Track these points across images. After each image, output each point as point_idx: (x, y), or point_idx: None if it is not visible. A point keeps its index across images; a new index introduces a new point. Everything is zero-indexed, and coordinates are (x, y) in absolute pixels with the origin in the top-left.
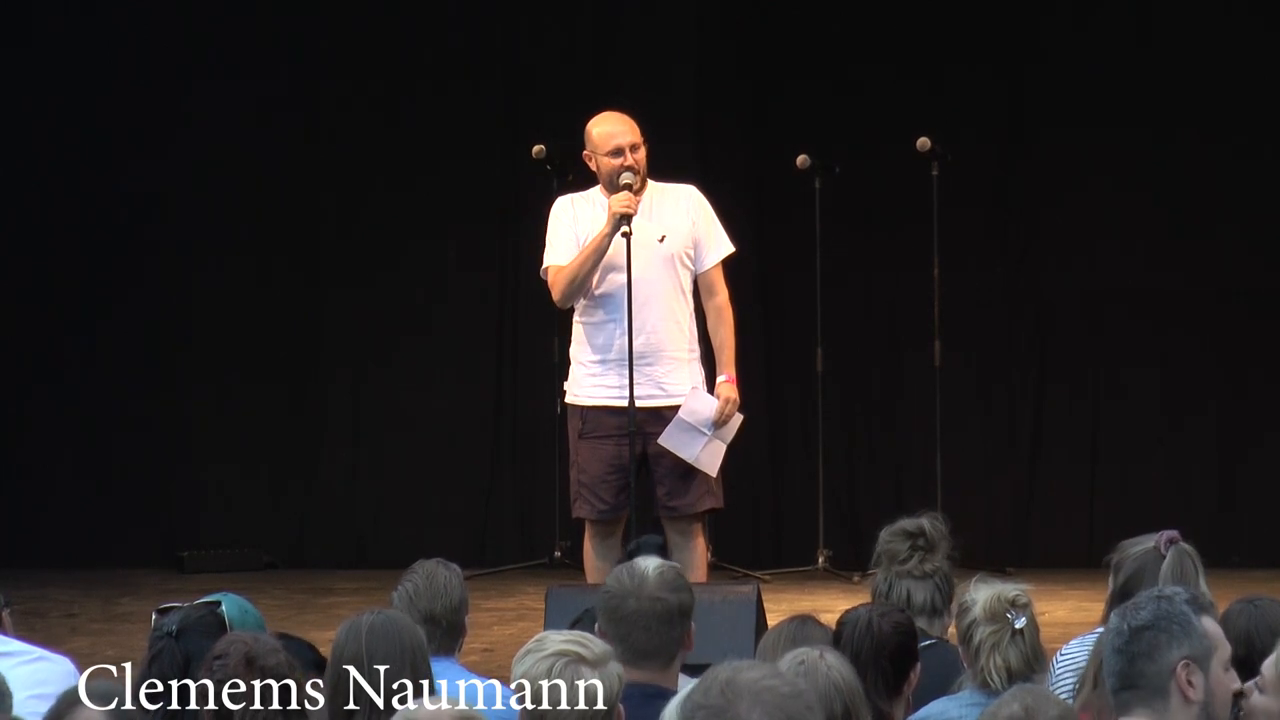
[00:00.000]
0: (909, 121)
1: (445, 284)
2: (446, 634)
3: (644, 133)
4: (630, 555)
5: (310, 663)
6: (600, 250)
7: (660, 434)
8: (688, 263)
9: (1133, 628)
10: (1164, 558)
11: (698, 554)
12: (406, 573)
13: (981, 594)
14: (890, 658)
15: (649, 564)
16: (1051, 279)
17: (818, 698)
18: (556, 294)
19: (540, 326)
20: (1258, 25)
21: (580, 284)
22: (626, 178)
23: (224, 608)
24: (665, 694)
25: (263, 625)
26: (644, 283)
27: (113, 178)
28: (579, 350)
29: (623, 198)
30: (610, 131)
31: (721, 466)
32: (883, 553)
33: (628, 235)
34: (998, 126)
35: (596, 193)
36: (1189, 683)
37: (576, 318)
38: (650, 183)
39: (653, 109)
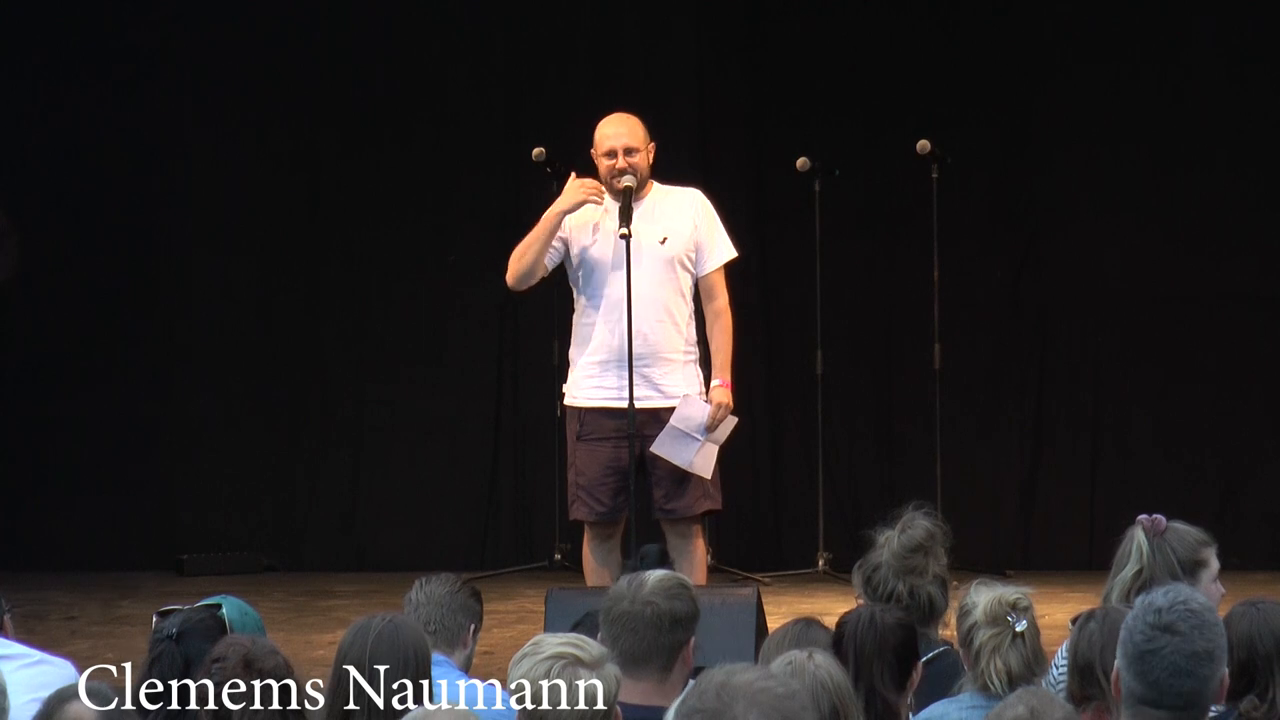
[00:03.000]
0: (909, 124)
1: (445, 287)
2: (438, 635)
3: (653, 135)
4: (634, 569)
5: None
6: (549, 229)
7: (657, 436)
8: (688, 265)
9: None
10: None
11: (697, 556)
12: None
13: (982, 597)
14: (895, 651)
15: (654, 572)
16: (1051, 281)
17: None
18: (508, 274)
19: (540, 329)
20: (1259, 34)
21: (528, 264)
22: (626, 180)
23: (224, 610)
24: (657, 714)
25: (262, 628)
26: (642, 284)
27: (117, 184)
28: (577, 352)
29: (589, 182)
30: (607, 133)
31: (720, 469)
32: (900, 567)
33: (626, 237)
34: (997, 128)
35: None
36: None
37: (575, 318)
38: (655, 185)
39: (654, 111)
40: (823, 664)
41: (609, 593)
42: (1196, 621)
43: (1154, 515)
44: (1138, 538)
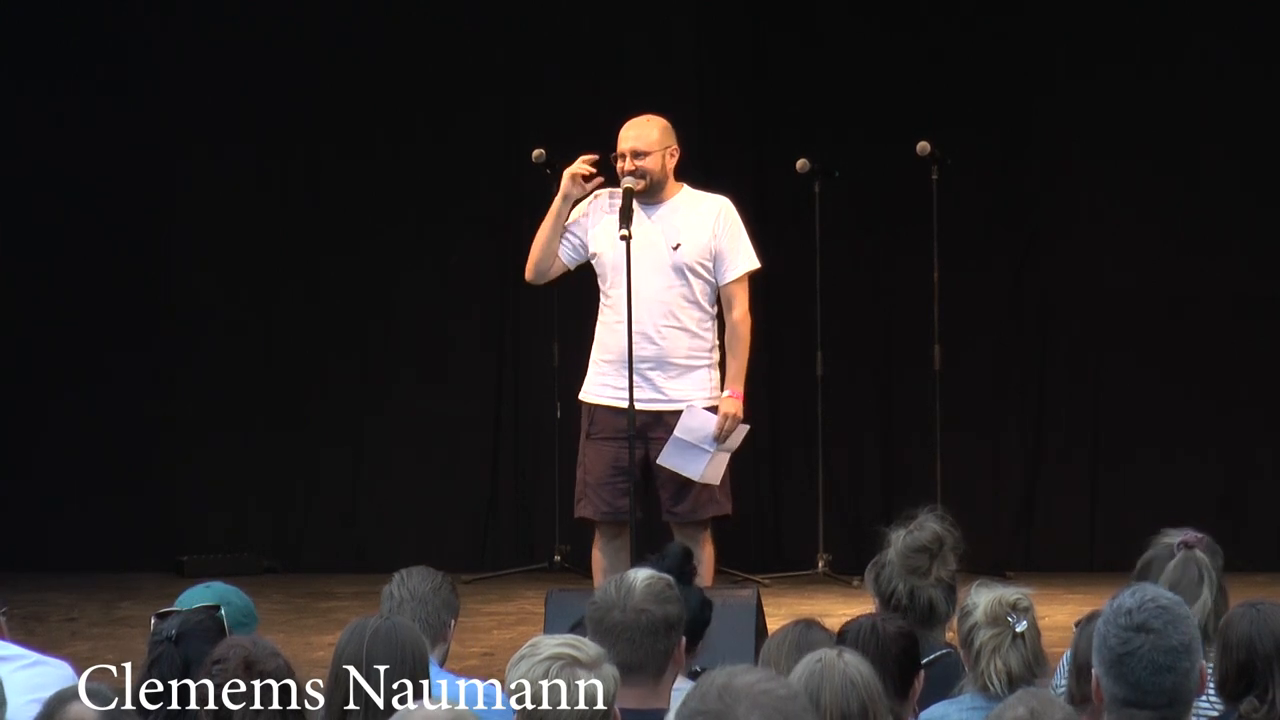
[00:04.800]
0: (909, 125)
1: (445, 288)
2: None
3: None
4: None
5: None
6: (553, 219)
7: (662, 438)
8: (703, 272)
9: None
10: (1174, 557)
11: (704, 561)
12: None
13: (982, 598)
14: (896, 660)
15: (639, 575)
16: (1051, 282)
17: (832, 696)
18: (526, 266)
19: (540, 330)
20: (1258, 35)
21: (538, 256)
22: (627, 182)
23: (223, 611)
24: (659, 715)
25: (253, 612)
26: (650, 288)
27: (117, 186)
28: (594, 350)
29: (576, 165)
30: (620, 136)
31: (728, 473)
32: (903, 567)
33: (626, 239)
34: (997, 130)
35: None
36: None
37: (599, 317)
38: (685, 189)
39: (654, 111)
40: (852, 662)
41: (596, 600)
42: (1169, 617)
43: (1196, 534)
44: (1201, 561)
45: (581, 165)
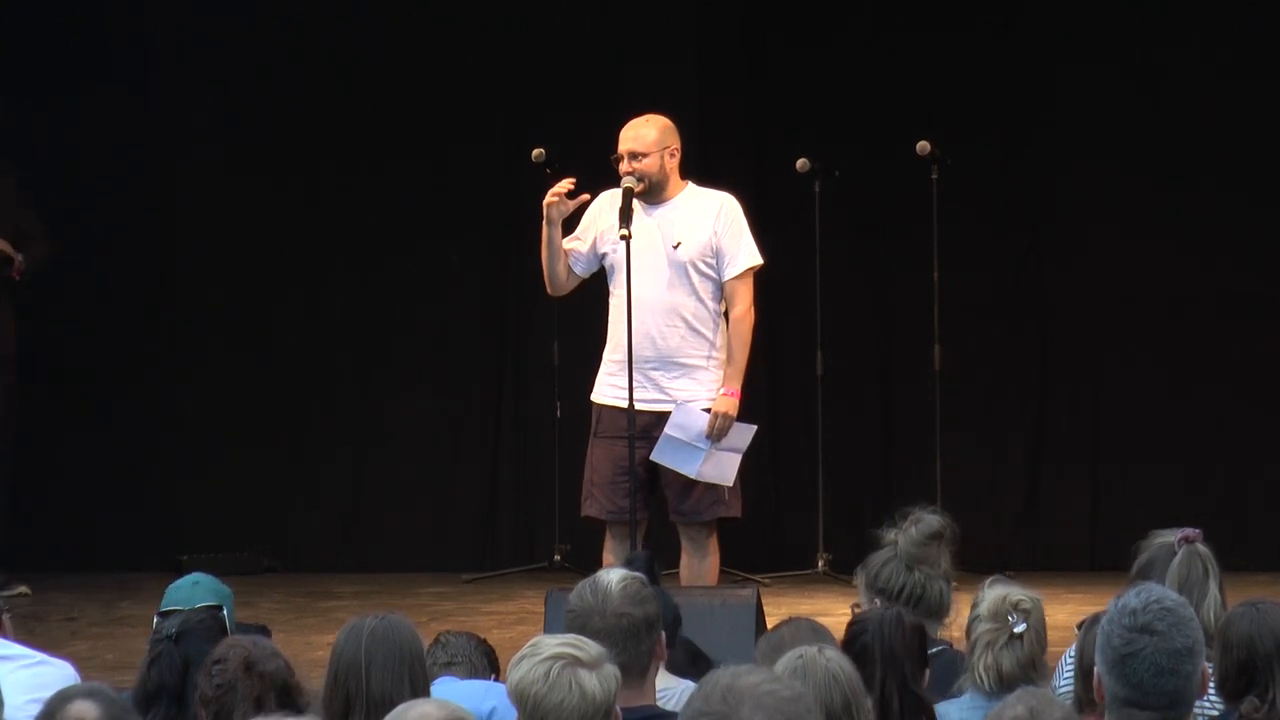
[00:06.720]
0: (909, 125)
1: (446, 286)
2: (461, 666)
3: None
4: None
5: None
6: (544, 241)
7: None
8: (706, 270)
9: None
10: (1175, 555)
11: (708, 561)
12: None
13: (991, 593)
14: (921, 649)
15: (612, 577)
16: (1052, 281)
17: (815, 691)
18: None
19: (540, 329)
20: (1257, 35)
21: (547, 275)
22: (626, 183)
23: (225, 611)
24: (649, 712)
25: (229, 597)
26: (652, 288)
27: (120, 190)
28: (606, 350)
29: (554, 190)
30: (619, 137)
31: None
32: (915, 558)
33: (625, 238)
34: (998, 129)
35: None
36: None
37: (609, 317)
38: (690, 186)
39: (654, 108)
40: (834, 658)
41: (573, 607)
42: (1173, 619)
43: (1191, 529)
44: (1205, 555)
45: (551, 196)
